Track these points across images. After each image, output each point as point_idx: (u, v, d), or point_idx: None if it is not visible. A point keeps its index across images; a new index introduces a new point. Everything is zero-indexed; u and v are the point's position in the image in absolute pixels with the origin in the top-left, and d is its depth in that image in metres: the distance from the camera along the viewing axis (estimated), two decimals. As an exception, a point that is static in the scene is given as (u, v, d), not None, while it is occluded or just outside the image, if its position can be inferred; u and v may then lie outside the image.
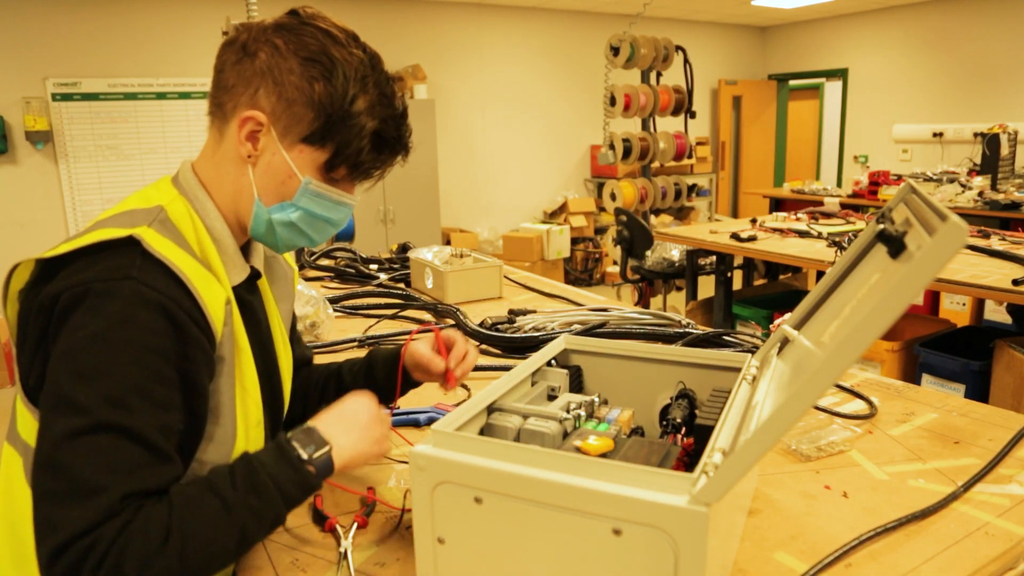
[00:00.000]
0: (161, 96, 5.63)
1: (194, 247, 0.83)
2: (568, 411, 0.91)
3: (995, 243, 3.07)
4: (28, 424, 0.79)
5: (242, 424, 0.86)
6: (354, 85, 0.83)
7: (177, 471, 0.76)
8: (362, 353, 1.30)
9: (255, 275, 0.96)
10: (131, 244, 0.76)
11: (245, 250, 0.95)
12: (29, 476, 0.79)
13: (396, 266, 2.68)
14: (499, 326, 1.86)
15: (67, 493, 0.68)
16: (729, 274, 3.96)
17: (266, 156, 0.85)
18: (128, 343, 0.72)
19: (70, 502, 0.68)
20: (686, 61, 5.06)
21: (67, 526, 0.67)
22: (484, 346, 1.80)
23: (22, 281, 0.78)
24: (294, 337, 1.13)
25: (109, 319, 0.72)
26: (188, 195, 0.87)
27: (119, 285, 0.73)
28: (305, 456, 0.79)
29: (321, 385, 1.14)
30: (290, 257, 1.09)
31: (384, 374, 1.10)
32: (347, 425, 0.85)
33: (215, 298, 0.81)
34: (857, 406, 1.36)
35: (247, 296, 0.93)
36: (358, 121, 0.84)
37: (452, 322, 1.95)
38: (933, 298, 4.37)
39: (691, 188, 5.46)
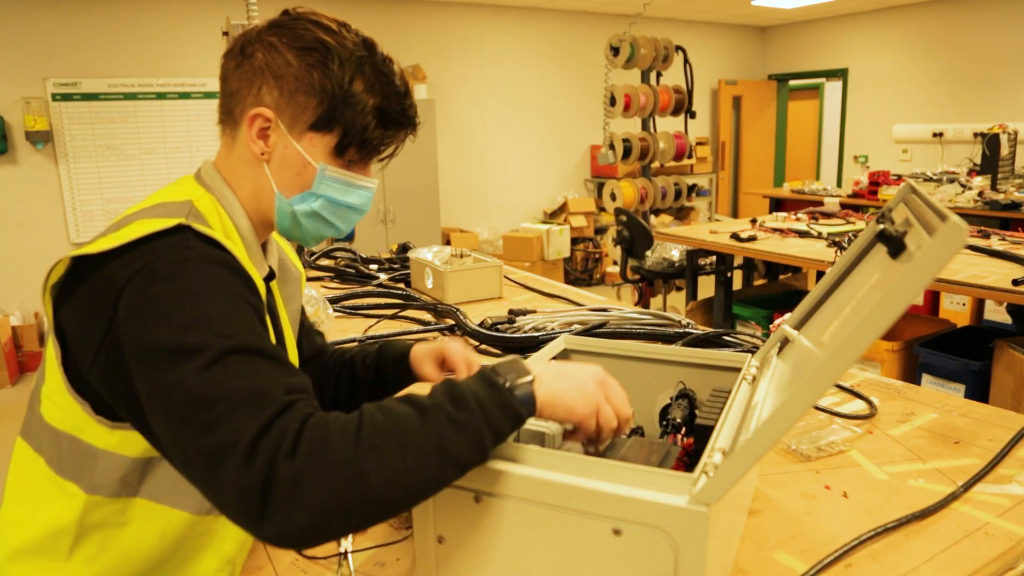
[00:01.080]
0: (161, 96, 5.63)
1: (223, 241, 0.84)
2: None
3: (995, 243, 3.07)
4: (65, 414, 0.79)
5: None
6: (350, 66, 0.85)
7: (310, 381, 0.73)
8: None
9: (271, 275, 0.97)
10: (181, 231, 0.76)
11: (263, 249, 0.96)
12: (57, 464, 0.79)
13: (396, 266, 2.68)
14: (499, 326, 1.86)
15: (226, 412, 0.65)
16: (729, 274, 3.96)
17: (279, 150, 0.87)
18: (214, 290, 0.73)
19: (232, 417, 0.64)
20: (686, 61, 5.06)
21: (241, 432, 0.63)
22: (484, 346, 1.80)
23: (56, 277, 0.78)
24: (305, 329, 1.14)
25: (186, 277, 0.72)
26: (214, 191, 0.88)
27: (182, 254, 0.74)
28: (505, 382, 0.73)
29: (335, 377, 1.13)
30: (297, 260, 1.10)
31: (393, 371, 1.09)
32: (560, 372, 0.78)
33: (258, 281, 0.82)
34: (857, 406, 1.36)
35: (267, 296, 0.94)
36: (359, 99, 0.85)
37: (452, 322, 1.95)
38: (933, 298, 4.37)
39: (691, 188, 5.46)
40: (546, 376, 0.76)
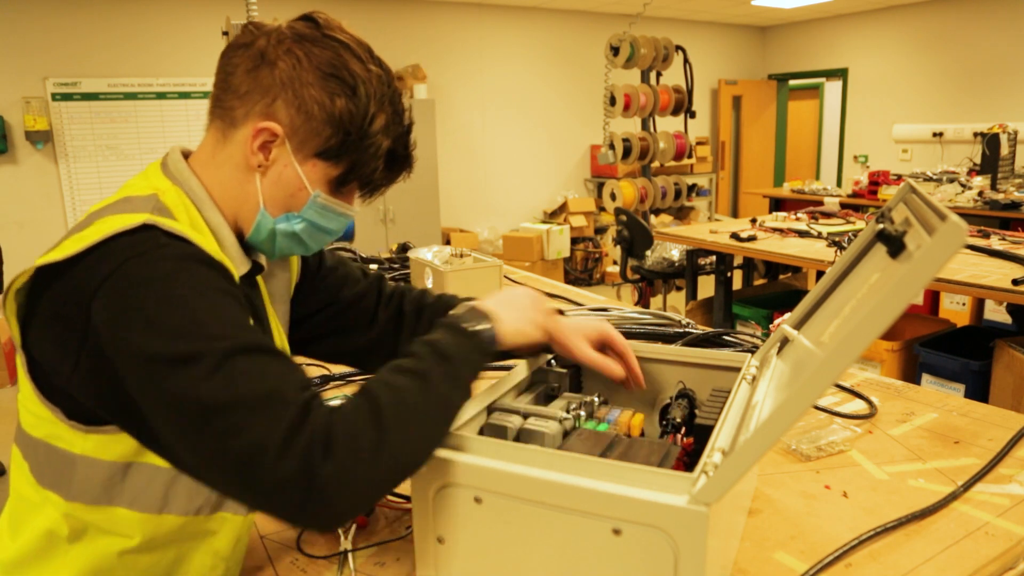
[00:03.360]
0: (161, 96, 5.64)
1: (190, 234, 0.80)
2: (568, 411, 0.91)
3: (995, 243, 3.07)
4: (38, 421, 0.78)
5: None
6: (374, 104, 0.82)
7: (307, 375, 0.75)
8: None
9: (257, 269, 0.92)
10: (146, 229, 0.73)
11: (245, 244, 0.91)
12: (37, 473, 0.79)
13: (396, 266, 2.68)
14: (499, 326, 1.85)
15: (245, 416, 0.66)
16: (729, 274, 3.96)
17: (277, 167, 0.83)
18: (197, 289, 0.71)
19: (253, 421, 0.65)
20: (686, 61, 5.06)
21: (268, 435, 0.65)
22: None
23: (19, 284, 0.76)
24: (328, 274, 1.09)
25: (164, 279, 0.70)
26: (181, 184, 0.84)
27: (155, 252, 0.71)
28: (471, 328, 0.84)
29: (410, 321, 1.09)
30: (295, 258, 1.06)
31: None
32: (507, 305, 0.90)
33: (234, 273, 0.80)
34: (857, 406, 1.36)
35: (248, 290, 0.90)
36: (375, 140, 0.83)
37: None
38: (933, 298, 4.37)
39: (691, 188, 5.46)
40: (500, 313, 0.88)
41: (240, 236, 0.89)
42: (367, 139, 0.83)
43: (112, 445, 0.76)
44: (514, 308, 0.90)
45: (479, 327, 0.84)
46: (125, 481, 0.77)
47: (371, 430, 0.69)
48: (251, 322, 0.76)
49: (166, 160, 0.86)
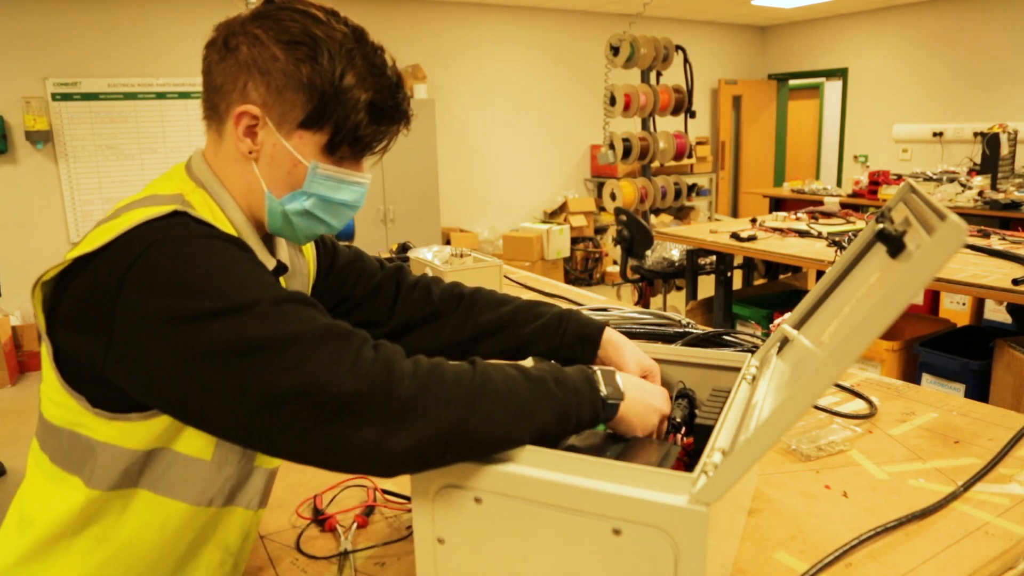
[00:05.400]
0: (161, 96, 5.63)
1: (219, 226, 0.81)
2: (568, 411, 0.91)
3: (995, 243, 3.07)
4: (63, 410, 0.78)
5: None
6: (340, 60, 0.81)
7: None
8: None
9: (282, 269, 0.93)
10: (177, 215, 0.74)
11: (268, 243, 0.92)
12: (61, 460, 0.79)
13: (396, 266, 2.67)
14: (499, 326, 1.86)
15: (308, 348, 0.68)
16: (729, 274, 3.96)
17: (267, 148, 0.83)
18: (233, 258, 0.73)
19: (316, 350, 0.68)
20: (686, 61, 5.05)
21: (338, 357, 0.68)
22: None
23: (50, 275, 0.75)
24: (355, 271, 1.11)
25: (198, 251, 0.72)
26: (205, 186, 0.85)
27: (186, 232, 0.73)
28: (603, 391, 0.83)
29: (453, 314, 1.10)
30: (311, 255, 1.06)
31: (581, 351, 1.05)
32: (641, 395, 0.89)
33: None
34: (857, 406, 1.36)
35: None
36: (351, 95, 0.81)
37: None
38: (933, 298, 4.37)
39: (691, 188, 5.46)
40: (631, 397, 0.86)
41: (264, 236, 0.90)
42: (342, 95, 0.81)
43: (135, 433, 0.77)
44: (643, 404, 0.89)
45: (610, 393, 0.83)
46: (145, 469, 0.79)
47: (455, 386, 0.71)
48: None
49: (190, 163, 0.87)
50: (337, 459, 0.70)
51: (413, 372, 0.71)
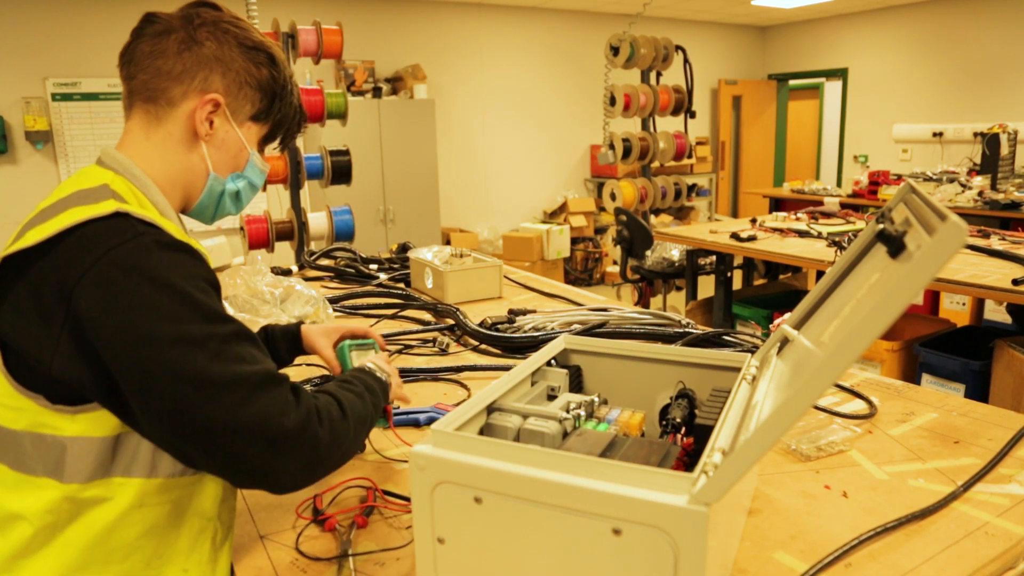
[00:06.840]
0: (161, 96, 5.63)
1: (160, 222, 0.83)
2: (568, 411, 0.92)
3: (995, 243, 3.07)
4: (18, 413, 0.78)
5: None
6: (285, 68, 0.99)
7: None
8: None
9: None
10: (120, 216, 0.77)
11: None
12: (23, 465, 0.79)
13: (396, 266, 2.68)
14: (499, 326, 1.86)
15: (250, 393, 0.76)
16: (729, 274, 3.96)
17: (219, 134, 0.95)
18: (185, 277, 0.77)
19: (257, 394, 0.77)
20: (686, 61, 5.05)
21: (273, 403, 0.78)
22: (484, 346, 1.80)
23: None
24: None
25: (153, 267, 0.75)
26: (123, 173, 0.89)
27: (137, 241, 0.76)
28: (382, 377, 1.05)
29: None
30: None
31: (286, 348, 1.23)
32: (384, 368, 1.09)
33: (206, 257, 0.86)
34: (857, 406, 1.36)
35: None
36: (292, 99, 1.01)
37: (452, 322, 1.95)
38: (933, 298, 4.37)
39: (691, 188, 5.45)
40: (387, 372, 1.09)
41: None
42: (288, 98, 1.00)
43: (101, 420, 0.78)
44: (388, 373, 1.10)
45: (383, 379, 1.05)
46: (117, 452, 0.80)
47: (342, 419, 0.86)
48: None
49: (101, 158, 0.92)
50: (257, 484, 0.81)
51: (327, 417, 0.84)
